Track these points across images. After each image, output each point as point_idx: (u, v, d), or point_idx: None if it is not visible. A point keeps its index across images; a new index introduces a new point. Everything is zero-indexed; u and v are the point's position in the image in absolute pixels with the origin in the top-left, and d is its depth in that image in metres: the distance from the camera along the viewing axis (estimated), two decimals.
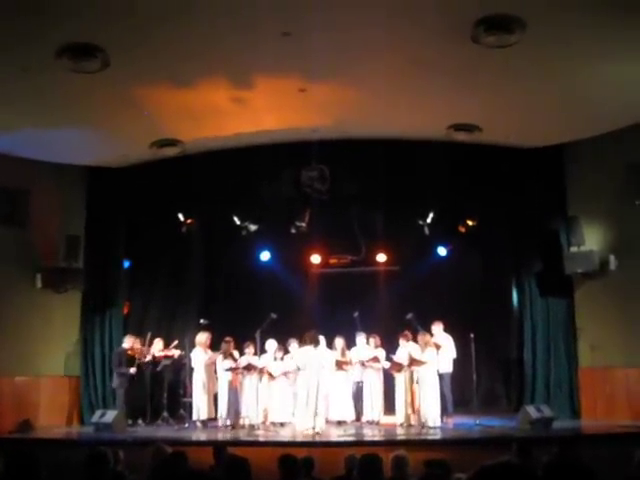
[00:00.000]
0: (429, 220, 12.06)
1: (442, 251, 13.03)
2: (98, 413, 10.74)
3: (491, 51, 8.16)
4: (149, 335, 11.67)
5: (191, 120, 10.56)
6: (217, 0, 7.40)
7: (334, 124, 10.84)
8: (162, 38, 8.07)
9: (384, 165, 11.59)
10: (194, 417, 11.08)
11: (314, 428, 9.84)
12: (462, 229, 12.33)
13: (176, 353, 11.61)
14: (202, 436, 10.40)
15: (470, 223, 12.20)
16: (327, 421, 10.50)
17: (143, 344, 11.63)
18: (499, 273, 12.80)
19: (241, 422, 10.81)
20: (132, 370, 11.29)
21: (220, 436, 10.29)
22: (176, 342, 11.77)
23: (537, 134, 11.16)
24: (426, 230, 12.13)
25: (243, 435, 10.15)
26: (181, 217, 12.25)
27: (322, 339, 10.66)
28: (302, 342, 10.55)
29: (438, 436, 9.83)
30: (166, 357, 11.55)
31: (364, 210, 12.50)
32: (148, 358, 11.56)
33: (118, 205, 12.51)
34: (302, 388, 10.30)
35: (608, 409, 10.68)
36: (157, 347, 11.72)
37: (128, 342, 11.58)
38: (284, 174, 11.85)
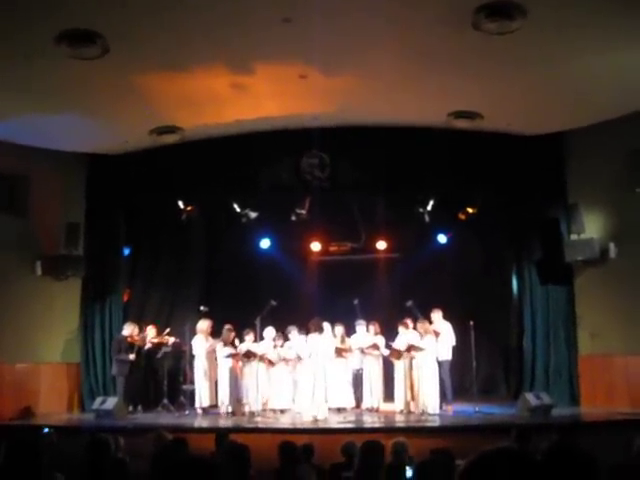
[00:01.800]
0: (429, 207, 12.06)
1: (442, 239, 13.08)
2: (99, 400, 10.82)
3: (492, 38, 8.12)
4: (143, 324, 11.80)
5: (190, 107, 10.52)
6: None
7: (335, 111, 10.80)
8: (161, 24, 8.02)
9: (384, 152, 11.58)
10: (196, 404, 11.13)
11: (319, 416, 9.90)
12: (462, 216, 12.34)
13: (169, 340, 11.68)
14: (203, 423, 10.47)
15: (470, 210, 12.20)
16: (328, 409, 10.53)
17: (141, 331, 11.68)
18: (499, 261, 12.85)
19: (242, 409, 10.86)
20: (131, 356, 11.31)
21: (221, 423, 10.35)
22: (168, 330, 11.85)
23: (538, 121, 11.12)
24: (426, 217, 12.13)
25: (244, 422, 10.20)
26: (181, 204, 12.24)
27: (327, 326, 10.70)
28: (307, 330, 10.58)
29: (437, 423, 9.87)
30: (160, 344, 11.61)
31: (364, 197, 12.54)
32: (148, 345, 11.60)
33: (118, 192, 12.48)
34: (307, 376, 10.34)
35: (608, 396, 10.70)
36: (150, 334, 11.76)
37: (128, 329, 11.61)
38: (284, 161, 11.85)
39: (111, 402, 10.56)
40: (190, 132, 11.41)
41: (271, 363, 11.24)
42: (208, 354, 11.29)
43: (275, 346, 11.38)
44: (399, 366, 10.99)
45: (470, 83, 9.64)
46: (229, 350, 11.05)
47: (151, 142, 11.67)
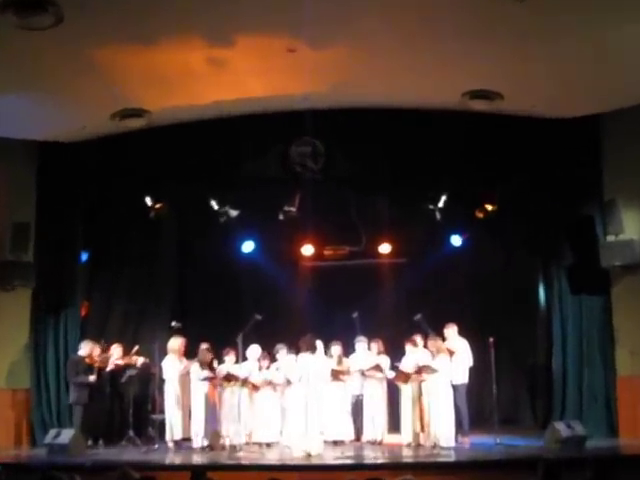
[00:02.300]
0: (441, 204, 12.07)
1: (456, 240, 13.06)
2: (52, 432, 10.72)
3: (516, 7, 8.08)
4: (103, 342, 11.72)
5: (160, 86, 10.49)
6: None
7: (328, 91, 10.79)
8: None
9: (388, 139, 11.58)
10: (166, 437, 11.09)
11: (312, 451, 9.86)
12: (480, 215, 12.34)
13: (138, 361, 11.63)
14: (176, 459, 10.43)
15: (489, 208, 12.20)
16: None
17: (104, 351, 11.63)
18: (523, 266, 12.85)
19: (221, 442, 10.80)
20: (92, 378, 11.25)
21: (197, 459, 10.31)
22: (136, 348, 11.79)
23: (568, 103, 11.11)
24: (437, 216, 12.15)
25: (223, 458, 10.16)
26: (149, 201, 12.21)
27: (319, 345, 10.68)
28: (298, 349, 10.56)
29: (452, 458, 9.86)
30: (127, 366, 11.56)
31: (364, 193, 12.54)
32: (110, 367, 11.54)
33: (74, 187, 12.44)
34: (297, 403, 10.32)
35: None
36: (116, 354, 11.71)
37: (86, 348, 11.55)
38: (270, 150, 11.84)
39: (67, 435, 10.46)
40: (159, 116, 11.37)
41: (255, 388, 11.22)
42: (181, 377, 11.24)
43: (260, 368, 11.35)
44: (406, 391, 10.98)
45: (488, 57, 9.61)
46: (206, 373, 10.99)
47: (113, 128, 11.65)
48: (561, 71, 10.03)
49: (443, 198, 12.04)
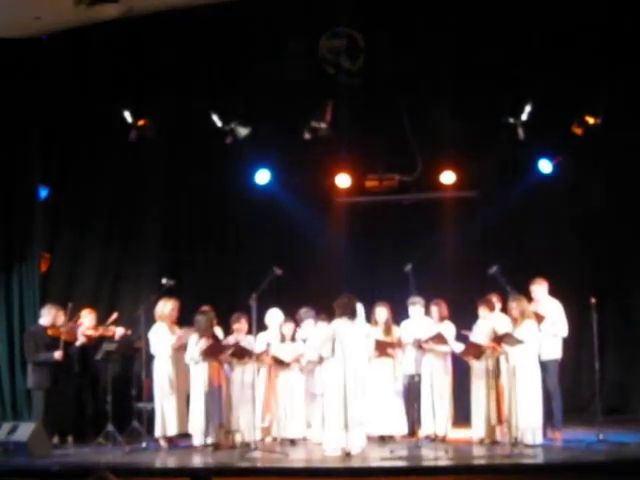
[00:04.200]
0: (525, 116, 11.99)
1: (545, 166, 12.96)
2: (5, 427, 10.79)
3: None
4: (70, 305, 11.63)
5: None
6: None
7: None
8: None
9: (450, 26, 11.54)
10: (156, 432, 11.14)
11: (351, 450, 9.87)
12: (578, 130, 12.23)
13: (117, 331, 11.69)
14: (170, 462, 10.48)
15: (591, 121, 12.06)
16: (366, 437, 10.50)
17: (71, 319, 11.63)
18: (637, 200, 12.69)
19: (229, 439, 10.86)
20: (57, 355, 11.28)
21: (198, 461, 10.32)
22: (115, 315, 11.85)
23: None
24: (520, 132, 12.10)
25: (233, 459, 10.12)
26: (128, 116, 12.20)
27: (360, 309, 10.60)
28: (331, 314, 10.46)
29: (540, 459, 9.77)
30: (103, 338, 11.60)
31: (420, 101, 12.41)
32: (80, 340, 11.58)
33: (27, 100, 12.44)
34: (331, 387, 10.28)
35: None
36: (87, 322, 11.75)
37: (47, 316, 11.58)
38: (292, 44, 11.80)
39: (25, 430, 10.51)
40: (140, 1, 11.31)
41: (275, 366, 11.23)
42: (175, 353, 11.23)
43: (283, 339, 11.36)
44: (479, 370, 10.92)
45: None
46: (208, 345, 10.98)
47: (79, 18, 11.63)
48: None
49: (527, 108, 11.94)
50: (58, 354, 11.29)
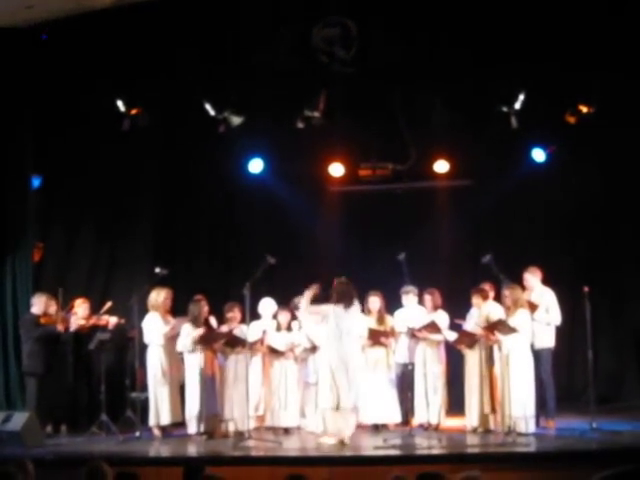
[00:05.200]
0: (518, 105, 11.96)
1: (539, 155, 12.98)
2: None
3: None
4: (61, 292, 11.57)
5: None
6: None
7: None
8: None
9: (443, 15, 11.54)
10: (150, 421, 11.16)
11: (345, 438, 9.90)
12: (571, 119, 12.21)
13: (110, 320, 11.70)
14: (164, 450, 10.54)
15: (584, 109, 12.05)
16: (358, 425, 10.56)
17: (63, 307, 11.63)
18: (630, 189, 12.72)
19: (223, 428, 10.89)
20: (59, 327, 11.28)
21: (192, 450, 10.39)
22: (109, 304, 11.85)
23: None
24: (513, 122, 12.07)
25: (227, 448, 10.20)
26: (121, 106, 12.20)
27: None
28: (325, 302, 10.47)
29: (533, 448, 9.82)
30: (96, 327, 11.60)
31: (413, 90, 12.38)
32: (73, 329, 11.58)
33: (20, 89, 12.43)
34: (325, 376, 10.30)
35: None
36: (80, 312, 11.74)
37: (39, 304, 11.58)
38: (286, 32, 11.79)
39: (19, 420, 10.53)
40: None
41: (269, 355, 11.25)
42: (168, 342, 11.24)
43: (278, 328, 11.37)
44: (472, 359, 10.97)
45: None
46: (201, 334, 10.98)
47: (71, 6, 11.60)
48: None
49: (521, 96, 11.91)
50: (60, 326, 11.34)
